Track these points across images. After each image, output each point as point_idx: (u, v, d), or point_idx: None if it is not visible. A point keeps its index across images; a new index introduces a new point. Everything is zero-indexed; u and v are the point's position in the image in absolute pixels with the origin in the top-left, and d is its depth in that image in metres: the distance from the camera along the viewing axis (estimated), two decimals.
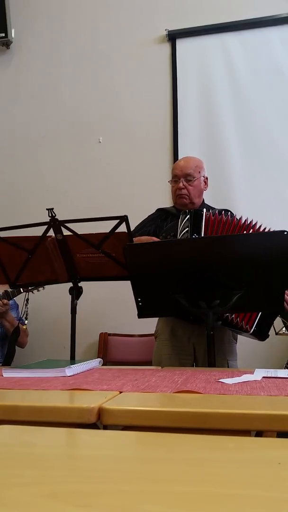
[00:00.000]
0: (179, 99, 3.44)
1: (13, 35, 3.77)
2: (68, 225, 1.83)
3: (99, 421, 0.86)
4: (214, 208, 2.18)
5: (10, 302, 2.99)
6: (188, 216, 1.92)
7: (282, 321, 2.64)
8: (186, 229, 1.90)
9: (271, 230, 1.87)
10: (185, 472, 0.53)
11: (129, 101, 3.55)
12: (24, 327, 2.80)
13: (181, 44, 3.48)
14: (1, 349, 2.95)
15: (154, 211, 2.29)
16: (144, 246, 1.78)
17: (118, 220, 1.81)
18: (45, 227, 1.83)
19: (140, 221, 2.21)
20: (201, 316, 1.73)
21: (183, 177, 2.12)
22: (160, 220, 2.18)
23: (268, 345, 3.05)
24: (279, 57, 3.31)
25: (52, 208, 1.82)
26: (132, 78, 3.56)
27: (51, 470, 0.54)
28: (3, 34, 3.73)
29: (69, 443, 0.73)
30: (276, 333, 2.70)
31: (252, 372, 1.26)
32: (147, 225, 2.17)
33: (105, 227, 1.92)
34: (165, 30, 3.47)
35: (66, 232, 1.84)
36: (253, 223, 1.94)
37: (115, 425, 0.87)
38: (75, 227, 1.83)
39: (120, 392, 1.02)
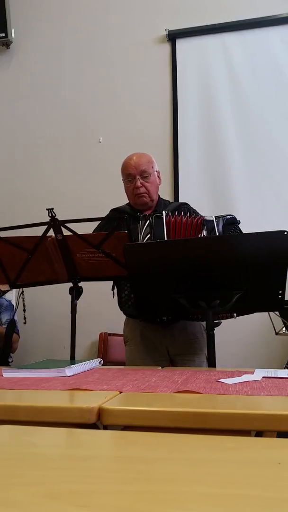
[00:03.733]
0: (179, 99, 3.45)
1: (13, 35, 3.77)
2: (68, 225, 1.83)
3: (99, 421, 0.86)
4: (171, 202, 2.15)
5: (5, 303, 2.97)
6: (148, 221, 1.87)
7: (282, 321, 2.64)
8: (148, 236, 1.85)
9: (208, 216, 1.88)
10: (185, 472, 0.53)
11: (129, 101, 3.55)
12: (24, 320, 2.74)
13: (181, 44, 3.48)
14: None
15: None
16: (144, 246, 1.78)
17: (118, 220, 1.81)
18: (45, 227, 1.83)
19: (97, 225, 2.10)
20: (201, 316, 1.73)
21: (139, 175, 2.04)
22: (116, 222, 2.06)
23: (268, 345, 3.06)
24: (279, 57, 3.32)
25: (52, 208, 1.82)
26: (132, 78, 3.57)
27: (51, 470, 0.54)
28: (3, 34, 3.73)
29: (69, 443, 0.73)
30: (276, 333, 2.70)
31: (252, 372, 1.26)
32: (104, 229, 2.05)
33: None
34: (165, 30, 3.48)
35: (66, 232, 1.84)
36: (204, 219, 1.90)
37: (115, 425, 0.87)
38: (75, 227, 1.83)
39: (120, 392, 1.02)
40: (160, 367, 1.64)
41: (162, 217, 1.86)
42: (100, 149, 3.57)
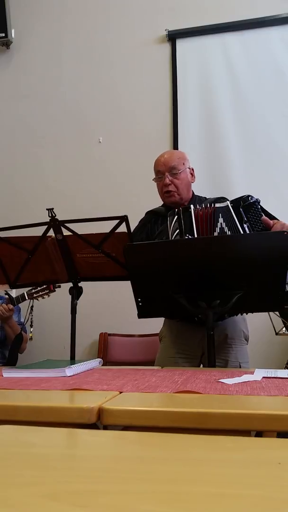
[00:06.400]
0: (179, 99, 3.45)
1: (13, 35, 3.77)
2: (68, 225, 1.83)
3: (99, 421, 0.86)
4: (208, 198, 2.05)
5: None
6: (176, 216, 1.80)
7: (282, 321, 2.64)
8: (176, 231, 1.78)
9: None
10: (185, 472, 0.53)
11: (129, 101, 3.55)
12: (30, 334, 2.80)
13: (181, 44, 3.48)
14: (0, 351, 2.96)
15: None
16: (144, 246, 1.78)
17: (118, 220, 1.81)
18: (45, 227, 1.83)
19: (133, 228, 2.03)
20: (201, 317, 1.73)
21: (168, 171, 1.98)
22: (150, 224, 2.05)
23: (268, 345, 3.06)
24: (279, 57, 3.32)
25: (52, 208, 1.82)
26: (132, 78, 3.57)
27: (51, 470, 0.54)
28: (3, 34, 3.73)
29: (69, 443, 0.73)
30: (276, 333, 2.70)
31: (252, 372, 1.26)
32: (138, 233, 2.03)
33: (105, 227, 1.92)
34: (165, 30, 3.48)
35: (66, 232, 1.84)
36: (215, 208, 1.80)
37: (115, 425, 0.87)
38: (75, 227, 1.83)
39: (120, 392, 1.02)
40: (160, 367, 1.64)
41: (191, 211, 1.78)
42: (100, 149, 3.57)
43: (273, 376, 1.21)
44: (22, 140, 3.74)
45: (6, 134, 3.79)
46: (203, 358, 1.93)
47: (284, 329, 2.68)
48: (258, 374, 1.22)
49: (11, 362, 2.76)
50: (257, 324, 3.01)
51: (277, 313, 2.59)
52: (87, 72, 3.67)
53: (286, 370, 1.37)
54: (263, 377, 1.19)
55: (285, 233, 1.56)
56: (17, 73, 3.84)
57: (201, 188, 3.24)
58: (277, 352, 3.05)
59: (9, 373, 1.32)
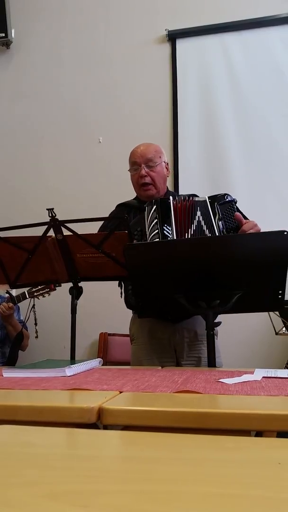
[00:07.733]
0: (179, 99, 3.45)
1: (13, 35, 3.77)
2: (68, 225, 1.83)
3: (99, 421, 0.86)
4: (180, 195, 2.06)
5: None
6: (154, 206, 1.80)
7: (282, 321, 2.64)
8: (155, 221, 1.78)
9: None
10: (185, 472, 0.53)
11: (129, 101, 3.55)
12: (36, 333, 2.81)
13: (181, 44, 3.48)
14: (1, 350, 2.97)
15: None
16: (144, 246, 1.77)
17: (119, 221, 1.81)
18: (45, 227, 1.83)
19: (101, 224, 2.02)
20: (202, 317, 1.73)
21: (144, 163, 1.98)
22: (118, 221, 1.98)
23: (268, 345, 3.06)
24: (279, 57, 3.32)
25: (52, 208, 1.82)
26: (132, 78, 3.57)
27: (51, 470, 0.54)
28: (3, 34, 3.73)
29: (69, 443, 0.73)
30: (276, 333, 2.71)
31: (252, 372, 1.26)
32: (107, 228, 1.97)
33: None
34: (165, 30, 3.48)
35: (66, 232, 1.84)
36: (194, 200, 1.84)
37: (115, 425, 0.87)
38: (75, 227, 1.83)
39: (120, 392, 1.02)
40: (160, 367, 1.64)
41: (169, 202, 1.79)
42: (100, 149, 3.57)
43: (273, 376, 1.21)
44: (22, 140, 3.74)
45: (6, 134, 3.79)
46: (177, 355, 1.93)
47: (284, 329, 2.68)
48: (258, 374, 1.22)
49: (11, 360, 2.77)
50: (257, 325, 3.02)
51: (277, 313, 2.59)
52: (87, 72, 3.67)
53: (286, 370, 1.37)
54: (263, 377, 1.19)
55: (285, 232, 1.56)
56: (17, 73, 3.84)
57: (201, 188, 3.25)
58: (277, 352, 3.06)
59: (9, 373, 1.32)
